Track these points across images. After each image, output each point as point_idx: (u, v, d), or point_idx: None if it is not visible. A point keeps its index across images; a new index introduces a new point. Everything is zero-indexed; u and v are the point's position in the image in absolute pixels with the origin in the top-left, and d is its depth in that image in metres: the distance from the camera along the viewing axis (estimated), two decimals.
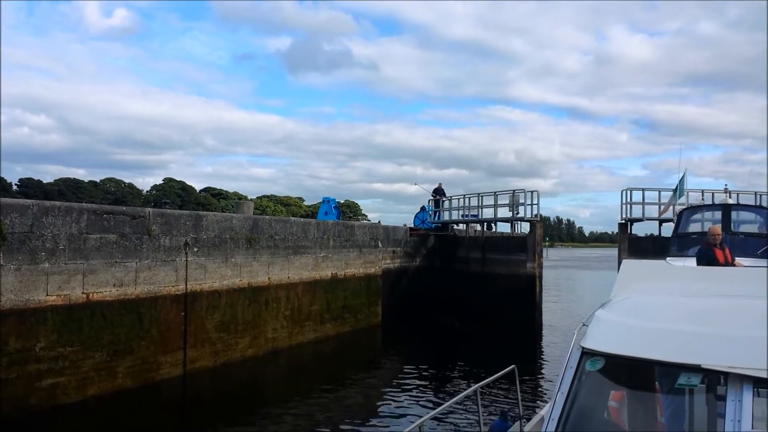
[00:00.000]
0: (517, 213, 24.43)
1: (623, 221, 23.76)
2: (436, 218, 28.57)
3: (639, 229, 25.01)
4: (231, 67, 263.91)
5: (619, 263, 23.20)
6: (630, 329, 3.49)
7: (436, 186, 29.35)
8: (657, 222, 23.96)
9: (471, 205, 26.85)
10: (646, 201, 23.86)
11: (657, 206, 23.57)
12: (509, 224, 26.48)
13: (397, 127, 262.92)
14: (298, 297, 18.43)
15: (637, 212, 23.93)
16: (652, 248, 21.79)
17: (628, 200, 23.77)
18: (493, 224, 27.63)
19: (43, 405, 11.05)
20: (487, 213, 26.21)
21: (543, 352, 19.83)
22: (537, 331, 21.95)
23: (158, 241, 13.87)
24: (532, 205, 23.51)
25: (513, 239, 24.88)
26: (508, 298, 22.44)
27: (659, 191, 24.04)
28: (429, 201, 29.08)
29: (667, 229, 23.32)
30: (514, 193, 24.45)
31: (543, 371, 16.38)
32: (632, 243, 23.41)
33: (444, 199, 28.32)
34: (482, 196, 26.02)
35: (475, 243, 25.65)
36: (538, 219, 23.38)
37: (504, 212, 25.55)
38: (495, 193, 25.39)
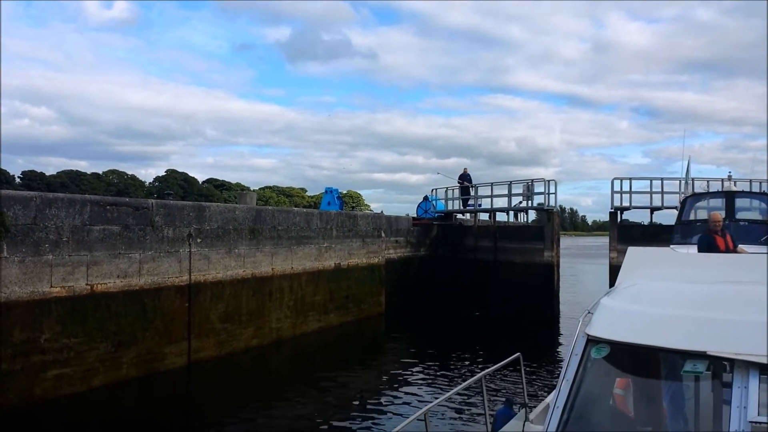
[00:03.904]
0: (531, 202, 24.57)
1: (613, 210, 24.13)
2: (465, 206, 27.83)
3: (644, 217, 25.31)
4: (230, 56, 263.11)
5: (610, 252, 23.56)
6: (635, 316, 3.48)
7: (461, 172, 28.54)
8: (649, 210, 24.54)
9: (480, 194, 26.85)
10: (634, 190, 24.32)
11: (649, 195, 24.13)
12: (513, 213, 26.57)
13: (397, 116, 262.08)
14: (302, 287, 18.45)
15: (629, 201, 24.36)
16: (642, 236, 22.25)
17: (618, 189, 24.14)
18: (506, 213, 27.49)
19: (48, 396, 11.10)
20: (498, 202, 26.21)
21: (549, 339, 19.87)
22: (555, 319, 22.20)
23: (161, 232, 13.88)
24: (548, 194, 23.54)
25: (529, 228, 25.10)
26: (522, 286, 22.60)
27: (650, 180, 24.43)
28: (433, 190, 28.99)
29: (659, 217, 23.99)
30: (532, 182, 24.48)
31: (549, 359, 16.38)
32: (622, 231, 23.83)
33: (472, 185, 27.54)
34: (494, 185, 26.01)
35: (486, 232, 25.62)
36: (555, 208, 23.41)
37: (510, 201, 25.64)
38: (510, 182, 25.39)
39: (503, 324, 21.38)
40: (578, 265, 56.01)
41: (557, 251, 23.20)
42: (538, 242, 23.22)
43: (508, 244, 24.35)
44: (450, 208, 28.20)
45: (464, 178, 28.06)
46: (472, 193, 27.58)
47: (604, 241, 25.40)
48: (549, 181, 23.91)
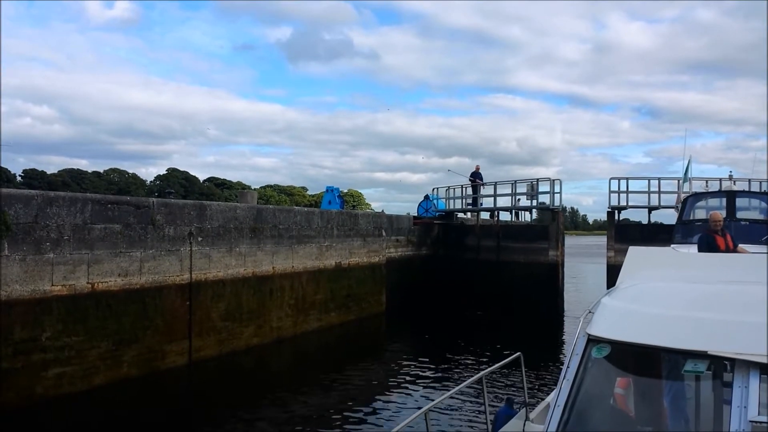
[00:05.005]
0: (537, 201, 24.65)
1: (610, 209, 24.34)
2: (475, 204, 27.63)
3: (643, 216, 25.44)
4: (231, 56, 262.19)
5: (608, 251, 23.78)
6: (636, 316, 3.48)
7: (473, 170, 28.24)
8: (647, 210, 24.79)
9: (484, 194, 26.84)
10: (632, 189, 24.63)
11: (647, 194, 24.46)
12: (514, 213, 26.58)
13: (398, 116, 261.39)
14: (303, 286, 18.46)
15: (628, 200, 24.63)
16: (640, 235, 22.40)
17: (616, 189, 24.37)
18: (510, 213, 27.42)
19: (49, 394, 11.11)
20: (500, 201, 26.20)
21: (551, 339, 19.87)
22: (560, 319, 22.30)
23: (162, 230, 13.89)
24: (553, 193, 23.58)
25: (533, 227, 25.31)
26: (526, 286, 22.67)
27: (648, 180, 24.68)
28: (434, 189, 28.97)
29: (659, 216, 24.21)
30: (537, 182, 24.51)
31: (550, 358, 16.37)
32: (620, 231, 24.11)
33: (483, 184, 27.32)
34: (498, 185, 26.04)
35: (489, 231, 25.62)
36: (560, 208, 23.45)
37: (507, 201, 25.67)
38: (514, 181, 25.40)
39: (506, 324, 21.40)
40: (579, 264, 55.99)
41: (562, 251, 23.28)
42: (542, 242, 23.29)
43: (512, 243, 24.35)
44: (451, 207, 28.18)
45: (476, 176, 27.80)
46: (482, 191, 27.42)
47: (604, 240, 25.40)
48: (554, 180, 23.91)
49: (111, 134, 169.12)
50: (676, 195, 21.59)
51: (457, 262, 25.67)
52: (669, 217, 23.34)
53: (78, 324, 11.80)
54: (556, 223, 23.23)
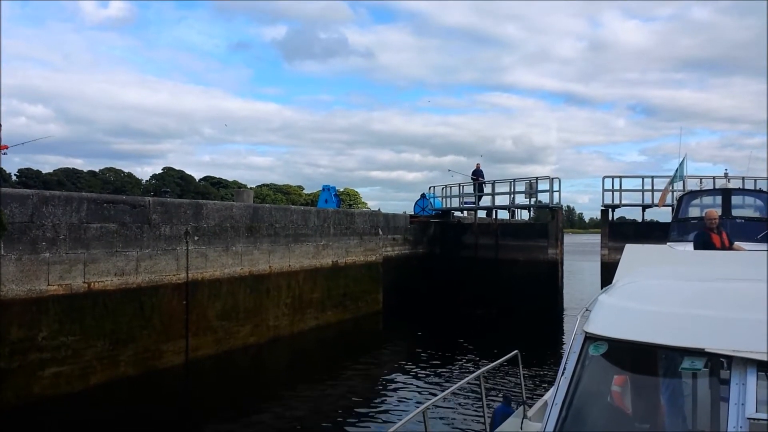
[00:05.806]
0: (536, 200, 24.70)
1: (604, 208, 24.42)
2: (477, 202, 27.45)
3: (637, 214, 25.55)
4: (227, 55, 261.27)
5: (602, 249, 23.80)
6: (633, 313, 3.48)
7: (473, 168, 28.24)
8: (641, 208, 24.91)
9: (477, 193, 26.83)
10: (623, 188, 24.76)
11: (641, 192, 24.66)
12: (511, 211, 26.63)
13: (394, 114, 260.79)
14: (299, 285, 18.45)
15: (621, 198, 24.73)
16: (634, 233, 22.50)
17: (610, 187, 24.48)
18: (508, 211, 27.49)
19: (46, 394, 11.09)
20: (498, 199, 26.19)
21: (550, 336, 19.90)
22: (559, 316, 22.34)
23: (159, 230, 13.87)
24: (552, 192, 23.61)
25: (532, 225, 25.40)
26: (525, 284, 22.71)
27: (642, 178, 24.92)
28: (431, 187, 28.97)
29: (654, 214, 24.27)
30: (536, 180, 24.55)
31: (548, 356, 16.38)
32: (614, 228, 24.16)
33: (485, 182, 27.22)
34: (496, 183, 26.06)
35: (487, 229, 25.64)
36: (559, 206, 23.49)
37: (505, 199, 25.68)
38: (513, 180, 25.45)
39: (504, 322, 21.42)
40: (575, 262, 56.10)
41: (561, 248, 23.36)
42: (541, 240, 23.37)
43: (511, 241, 24.40)
44: (448, 205, 28.16)
45: (477, 173, 27.72)
46: (485, 189, 27.28)
47: (599, 238, 25.47)
48: (553, 179, 23.96)
49: (107, 133, 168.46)
50: (660, 194, 21.64)
51: (455, 260, 25.65)
52: (663, 214, 23.44)
53: (74, 323, 11.78)
54: (556, 221, 23.30)
